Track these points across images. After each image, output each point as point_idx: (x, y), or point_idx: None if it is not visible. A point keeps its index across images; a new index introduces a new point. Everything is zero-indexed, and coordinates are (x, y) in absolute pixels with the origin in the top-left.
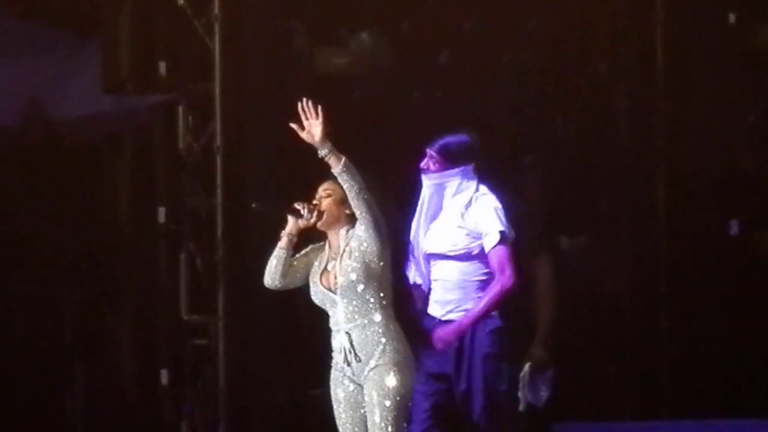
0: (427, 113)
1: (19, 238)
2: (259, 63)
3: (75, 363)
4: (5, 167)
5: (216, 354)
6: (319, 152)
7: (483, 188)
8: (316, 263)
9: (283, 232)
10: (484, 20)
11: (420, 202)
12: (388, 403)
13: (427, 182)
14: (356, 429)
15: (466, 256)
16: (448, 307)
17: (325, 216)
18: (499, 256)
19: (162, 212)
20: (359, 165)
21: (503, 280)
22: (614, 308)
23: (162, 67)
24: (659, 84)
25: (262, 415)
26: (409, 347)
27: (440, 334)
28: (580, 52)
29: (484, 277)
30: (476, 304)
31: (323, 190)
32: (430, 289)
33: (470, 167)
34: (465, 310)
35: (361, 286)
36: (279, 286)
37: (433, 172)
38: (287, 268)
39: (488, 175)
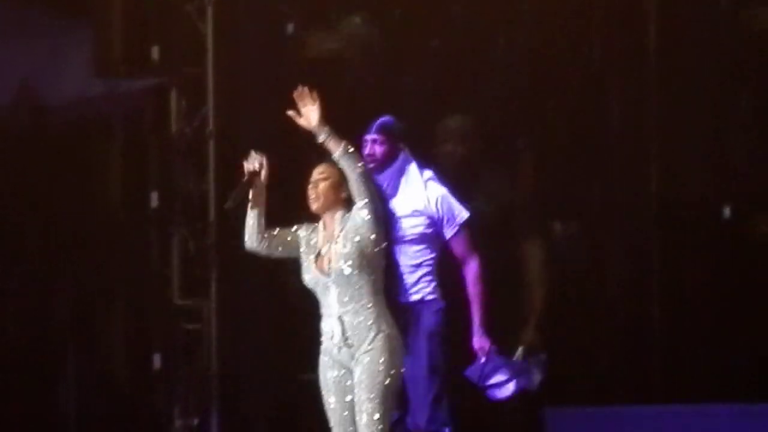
0: (419, 97)
1: (9, 222)
2: (251, 47)
3: (67, 348)
4: None
5: (208, 338)
6: (317, 137)
7: (428, 172)
8: (307, 244)
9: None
10: (476, 4)
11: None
12: (377, 388)
13: (379, 168)
14: (345, 414)
15: (420, 240)
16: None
17: (321, 199)
18: (465, 239)
19: (154, 197)
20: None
21: (476, 261)
22: (606, 293)
23: (154, 51)
24: (652, 69)
25: (254, 400)
26: (399, 333)
27: (480, 344)
28: (573, 36)
29: (431, 262)
30: (474, 298)
31: (319, 173)
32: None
33: (405, 149)
34: (415, 292)
35: (355, 272)
36: (258, 249)
37: (381, 156)
38: (263, 229)
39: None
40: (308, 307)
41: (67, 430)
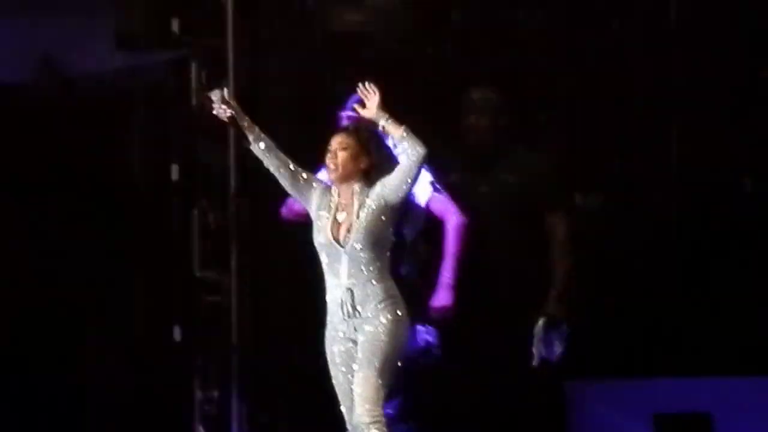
0: (441, 70)
1: (30, 196)
2: (272, 19)
3: (87, 320)
4: (19, 125)
5: (229, 311)
6: (378, 123)
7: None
8: (319, 203)
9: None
10: None
11: None
12: (378, 358)
13: None
14: (352, 387)
15: None
16: None
17: (340, 169)
18: (440, 200)
19: (175, 169)
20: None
21: (456, 216)
22: (628, 266)
23: (175, 23)
24: (672, 40)
25: (274, 372)
26: (406, 309)
27: (443, 303)
28: (593, 8)
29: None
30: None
31: (338, 142)
32: None
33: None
34: None
35: (371, 246)
36: (255, 147)
37: None
38: (255, 134)
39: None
40: None
41: (86, 402)
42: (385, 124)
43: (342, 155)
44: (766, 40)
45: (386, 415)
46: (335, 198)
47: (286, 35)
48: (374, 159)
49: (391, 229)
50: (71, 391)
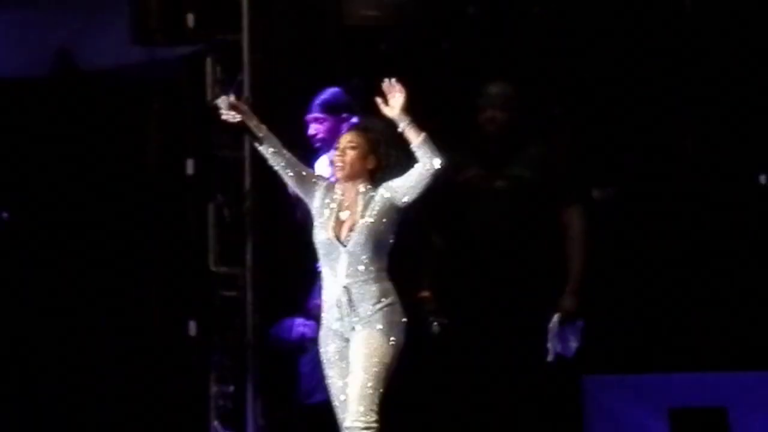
0: (457, 64)
1: (46, 190)
2: (287, 14)
3: (102, 314)
4: (34, 119)
5: (244, 305)
6: (398, 125)
7: None
8: (322, 201)
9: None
10: None
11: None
12: (373, 359)
13: (326, 147)
14: (344, 383)
15: None
16: None
17: (347, 168)
18: None
19: (190, 164)
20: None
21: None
22: (643, 260)
23: (190, 18)
24: (687, 30)
25: (290, 366)
26: (403, 310)
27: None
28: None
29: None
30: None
31: (347, 141)
32: None
33: (353, 118)
34: None
35: (372, 246)
36: (263, 148)
37: (324, 134)
38: (264, 135)
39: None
40: None
41: (101, 396)
42: (405, 128)
43: (351, 154)
44: None
45: None
46: (338, 196)
47: (302, 30)
48: (382, 160)
49: (392, 232)
50: (87, 385)
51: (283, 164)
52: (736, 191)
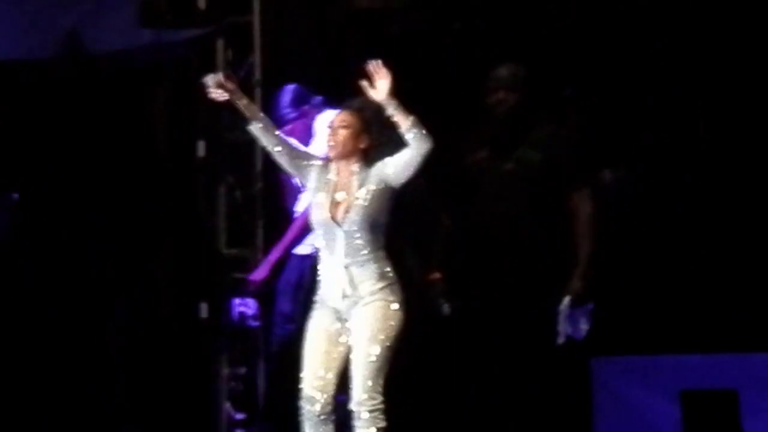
0: (468, 45)
1: (56, 173)
2: None
3: (114, 296)
4: (44, 101)
5: None
6: (386, 110)
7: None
8: (318, 181)
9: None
10: None
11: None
12: (380, 337)
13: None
14: (322, 363)
15: None
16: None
17: (340, 147)
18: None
19: (201, 146)
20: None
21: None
22: (654, 242)
23: (200, 0)
24: (699, 12)
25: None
26: (402, 291)
27: (254, 277)
28: None
29: None
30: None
31: (340, 120)
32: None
33: (315, 102)
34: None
35: (369, 226)
36: (253, 127)
37: (299, 132)
38: (253, 114)
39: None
40: None
41: (114, 379)
42: (393, 112)
43: (343, 133)
44: None
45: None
46: (333, 176)
47: (312, 12)
48: (375, 139)
49: (387, 211)
50: (98, 368)
51: (273, 143)
52: (749, 173)
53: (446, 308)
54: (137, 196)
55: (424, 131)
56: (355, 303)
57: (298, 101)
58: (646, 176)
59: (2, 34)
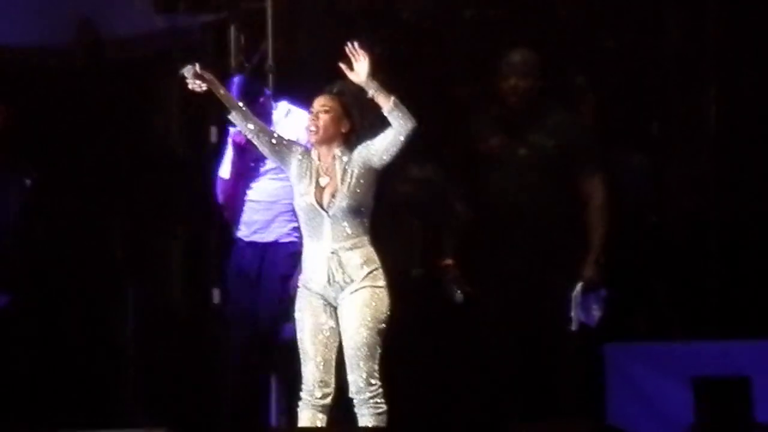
0: (480, 33)
1: (71, 156)
2: None
3: (126, 281)
4: (56, 87)
5: None
6: (367, 91)
7: (284, 103)
8: (299, 167)
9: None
10: None
11: None
12: (369, 324)
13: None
14: (318, 348)
15: (279, 177)
16: (254, 227)
17: (321, 132)
18: None
19: (213, 131)
20: (413, 85)
21: None
22: (666, 229)
23: None
24: (711, 5)
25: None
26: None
27: None
28: None
29: (289, 202)
30: None
31: (320, 105)
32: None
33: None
34: (271, 231)
35: (355, 211)
36: (232, 116)
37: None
38: (231, 104)
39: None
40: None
41: (126, 364)
42: (374, 93)
43: (324, 118)
44: None
45: None
46: (316, 162)
47: None
48: (356, 123)
49: (372, 194)
50: (110, 354)
51: (254, 130)
52: (761, 158)
53: (459, 295)
54: (150, 181)
55: (406, 111)
56: (342, 289)
57: (246, 93)
58: (656, 161)
59: (16, 20)
